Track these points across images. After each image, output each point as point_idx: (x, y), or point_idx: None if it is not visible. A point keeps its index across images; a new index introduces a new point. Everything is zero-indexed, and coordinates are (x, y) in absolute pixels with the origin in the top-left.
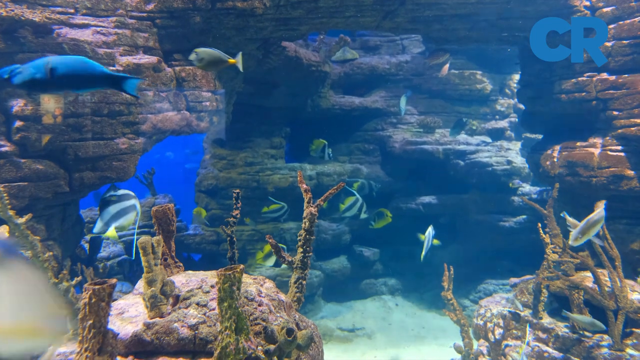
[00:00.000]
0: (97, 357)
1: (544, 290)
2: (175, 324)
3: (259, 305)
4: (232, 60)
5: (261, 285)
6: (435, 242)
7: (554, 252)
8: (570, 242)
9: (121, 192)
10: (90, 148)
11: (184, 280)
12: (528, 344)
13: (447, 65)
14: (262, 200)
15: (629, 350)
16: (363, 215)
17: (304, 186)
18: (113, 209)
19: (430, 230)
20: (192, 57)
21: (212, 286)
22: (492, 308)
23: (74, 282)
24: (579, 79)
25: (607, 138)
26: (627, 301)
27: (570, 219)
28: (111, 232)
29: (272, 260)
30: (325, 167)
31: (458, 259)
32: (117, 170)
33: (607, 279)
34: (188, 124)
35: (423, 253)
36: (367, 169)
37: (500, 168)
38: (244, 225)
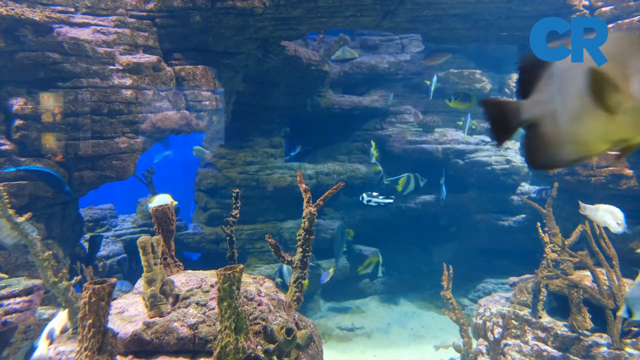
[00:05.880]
0: (97, 356)
1: (543, 290)
2: (175, 324)
3: (259, 304)
4: None
5: (261, 285)
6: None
7: (553, 251)
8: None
9: None
10: (89, 147)
11: (183, 279)
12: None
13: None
14: (261, 200)
15: (628, 349)
16: (422, 183)
17: (304, 186)
18: None
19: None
20: None
21: (212, 285)
22: (492, 307)
23: (73, 281)
24: None
25: None
26: None
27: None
28: None
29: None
30: (324, 167)
31: (457, 258)
32: (116, 169)
33: (606, 277)
34: (187, 123)
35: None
36: (366, 168)
37: (500, 167)
38: (243, 225)
